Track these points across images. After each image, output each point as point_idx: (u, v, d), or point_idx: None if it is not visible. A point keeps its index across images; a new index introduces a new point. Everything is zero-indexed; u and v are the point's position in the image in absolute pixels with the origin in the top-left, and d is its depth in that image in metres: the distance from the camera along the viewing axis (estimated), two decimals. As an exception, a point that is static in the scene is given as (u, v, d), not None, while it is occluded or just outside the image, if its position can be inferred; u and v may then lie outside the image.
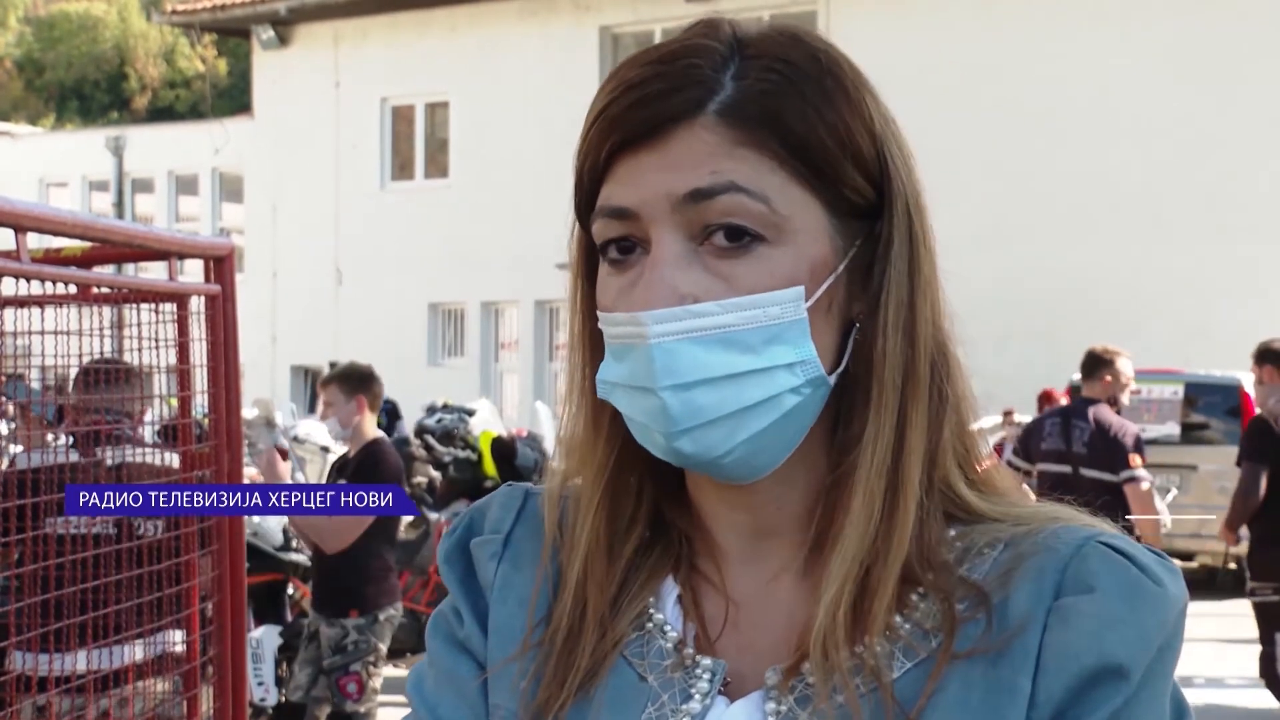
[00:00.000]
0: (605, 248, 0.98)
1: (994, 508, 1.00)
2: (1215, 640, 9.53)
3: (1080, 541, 0.96)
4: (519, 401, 20.19)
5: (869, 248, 0.98)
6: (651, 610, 1.03)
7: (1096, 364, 7.15)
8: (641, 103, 0.95)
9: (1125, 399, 7.23)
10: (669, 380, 0.93)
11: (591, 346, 1.02)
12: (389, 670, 7.67)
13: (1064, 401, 11.93)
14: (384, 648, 5.97)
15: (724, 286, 0.94)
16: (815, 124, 0.95)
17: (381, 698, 6.18)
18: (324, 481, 6.49)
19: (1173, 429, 12.62)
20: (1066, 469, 7.01)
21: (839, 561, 0.95)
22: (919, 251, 0.99)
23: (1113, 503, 6.69)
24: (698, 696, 0.98)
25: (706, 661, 0.99)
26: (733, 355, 0.94)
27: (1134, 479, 6.90)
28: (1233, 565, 11.78)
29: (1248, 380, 12.11)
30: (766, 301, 0.94)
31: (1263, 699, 7.61)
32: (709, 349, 0.93)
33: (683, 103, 0.94)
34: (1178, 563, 12.22)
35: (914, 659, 0.94)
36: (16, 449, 4.38)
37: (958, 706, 0.92)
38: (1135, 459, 6.93)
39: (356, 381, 6.05)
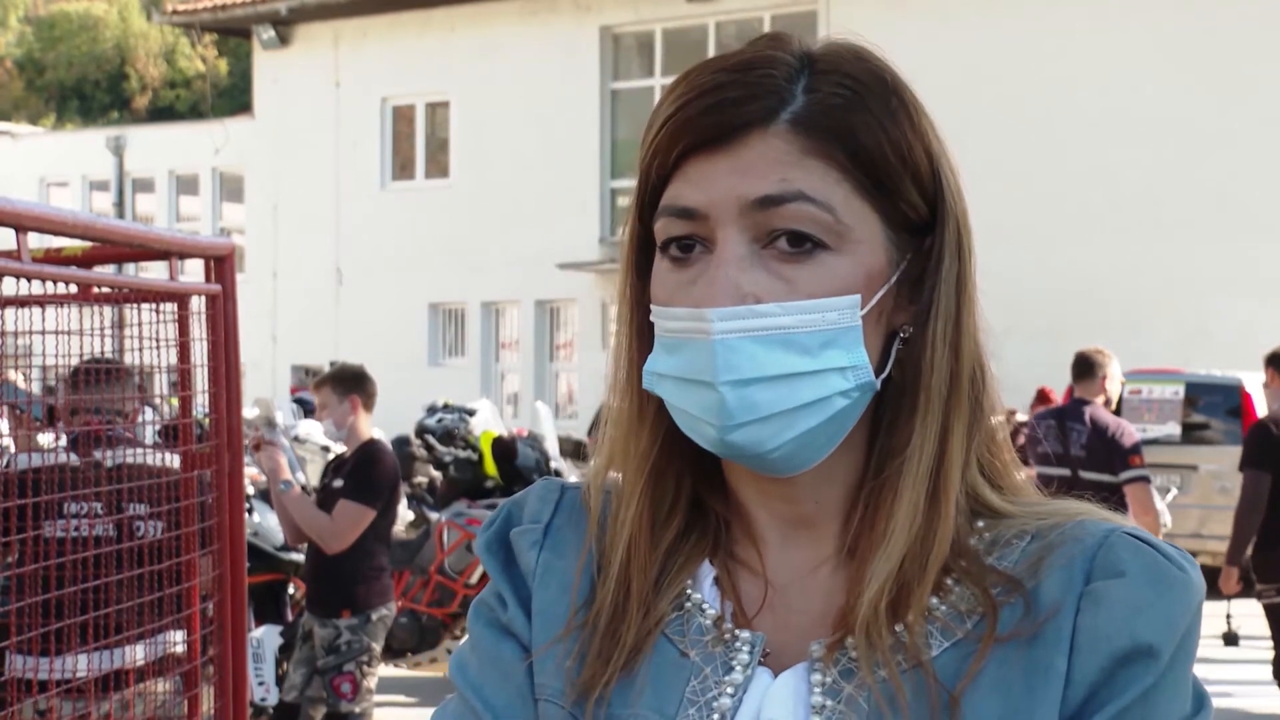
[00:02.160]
0: (667, 244, 1.01)
1: (1017, 507, 1.05)
2: (1217, 640, 9.52)
3: (1106, 532, 1.01)
4: (519, 401, 20.18)
5: (918, 261, 1.03)
6: (689, 591, 1.06)
7: (1090, 366, 7.21)
8: (717, 108, 0.98)
9: (1113, 400, 7.32)
10: (729, 376, 0.97)
11: (639, 339, 1.06)
12: (387, 670, 7.67)
13: (1057, 401, 11.95)
14: (378, 647, 5.97)
15: (785, 289, 0.98)
16: (881, 140, 0.99)
17: (377, 697, 6.18)
18: (318, 481, 6.49)
19: (1173, 429, 12.61)
20: (1065, 472, 7.01)
21: (883, 560, 0.99)
22: (966, 268, 1.04)
23: (1111, 504, 6.69)
24: (739, 668, 1.01)
25: (745, 634, 1.03)
26: (790, 356, 0.98)
27: (1135, 479, 6.92)
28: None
29: (1248, 380, 12.12)
30: (825, 307, 0.98)
31: (1266, 699, 7.61)
32: (768, 348, 0.97)
33: (757, 110, 0.98)
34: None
35: (951, 639, 0.99)
36: (12, 450, 4.38)
37: (997, 685, 0.97)
38: (1135, 459, 6.96)
39: (349, 382, 6.04)
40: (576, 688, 1.04)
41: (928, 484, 1.00)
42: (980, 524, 1.04)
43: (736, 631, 1.03)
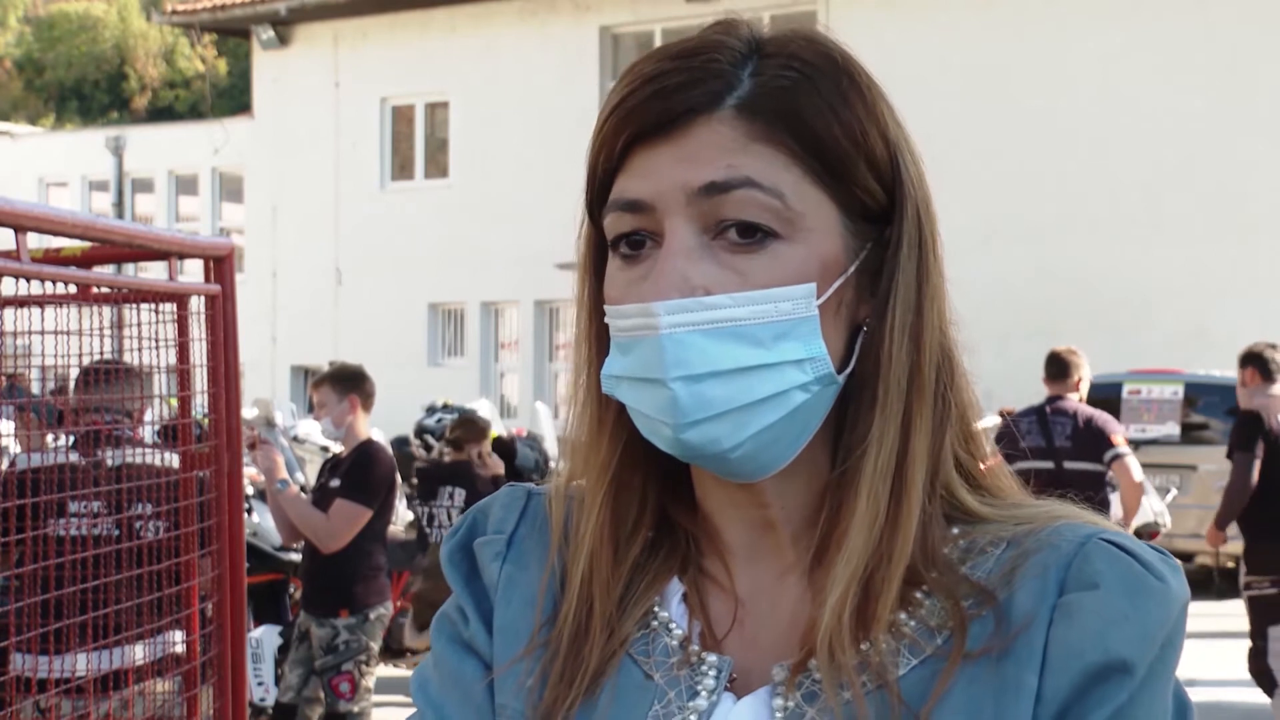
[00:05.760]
0: (617, 242, 0.98)
1: (995, 510, 1.01)
2: (1215, 640, 9.53)
3: (1083, 539, 0.96)
4: (519, 401, 20.18)
5: (879, 251, 0.99)
6: (656, 609, 1.03)
7: (1064, 366, 7.43)
8: (660, 95, 0.95)
9: (1083, 398, 7.51)
10: (679, 371, 0.93)
11: (597, 343, 1.02)
12: (385, 669, 7.67)
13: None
14: (375, 646, 5.98)
15: (736, 280, 0.94)
16: (831, 122, 0.95)
17: (376, 697, 6.18)
18: (315, 481, 6.50)
19: (1172, 429, 12.62)
20: (1049, 464, 7.14)
21: (844, 564, 0.95)
22: (927, 257, 0.99)
23: (1096, 494, 6.83)
24: (704, 693, 0.99)
25: (712, 658, 1.00)
26: (743, 349, 0.94)
27: (1119, 455, 7.08)
28: (1231, 564, 11.77)
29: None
30: (778, 296, 0.94)
31: (1263, 698, 7.61)
32: (719, 342, 0.93)
33: (701, 96, 0.95)
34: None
35: (919, 656, 0.95)
36: (16, 449, 4.38)
37: (966, 705, 0.93)
38: (1117, 438, 7.14)
39: (349, 381, 6.06)
40: (539, 712, 1.01)
41: (889, 480, 0.96)
42: (955, 530, 1.00)
43: (703, 654, 1.00)
